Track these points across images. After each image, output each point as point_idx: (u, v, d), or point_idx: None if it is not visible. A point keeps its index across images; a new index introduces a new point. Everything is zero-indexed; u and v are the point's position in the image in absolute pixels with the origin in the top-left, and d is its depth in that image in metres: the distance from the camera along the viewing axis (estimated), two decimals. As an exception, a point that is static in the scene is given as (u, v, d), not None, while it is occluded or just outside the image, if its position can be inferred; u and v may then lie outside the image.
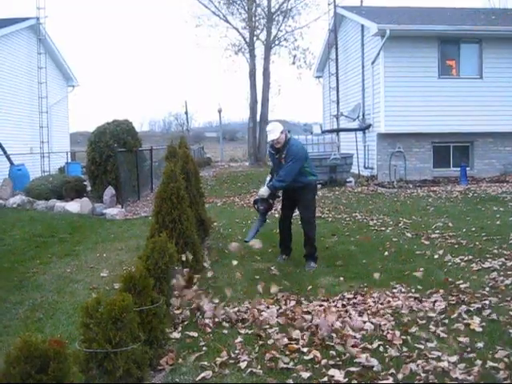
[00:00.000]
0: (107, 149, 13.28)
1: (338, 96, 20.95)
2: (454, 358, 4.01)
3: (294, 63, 31.04)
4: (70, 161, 22.20)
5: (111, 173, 13.23)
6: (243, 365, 4.03)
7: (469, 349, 4.21)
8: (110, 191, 12.79)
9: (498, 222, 9.78)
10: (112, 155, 13.21)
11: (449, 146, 18.18)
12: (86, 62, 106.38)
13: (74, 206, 12.46)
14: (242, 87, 73.49)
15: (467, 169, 17.16)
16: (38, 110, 21.53)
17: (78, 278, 6.85)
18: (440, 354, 4.10)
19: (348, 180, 16.69)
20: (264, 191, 7.23)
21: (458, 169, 17.05)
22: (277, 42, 31.11)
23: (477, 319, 4.85)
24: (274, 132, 7.06)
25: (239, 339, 4.54)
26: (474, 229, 9.21)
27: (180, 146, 8.37)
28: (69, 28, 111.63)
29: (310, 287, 6.07)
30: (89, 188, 14.38)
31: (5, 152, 17.47)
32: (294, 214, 7.74)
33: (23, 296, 6.11)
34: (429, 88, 16.98)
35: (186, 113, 46.97)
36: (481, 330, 4.60)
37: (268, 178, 7.54)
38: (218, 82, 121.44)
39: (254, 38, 30.55)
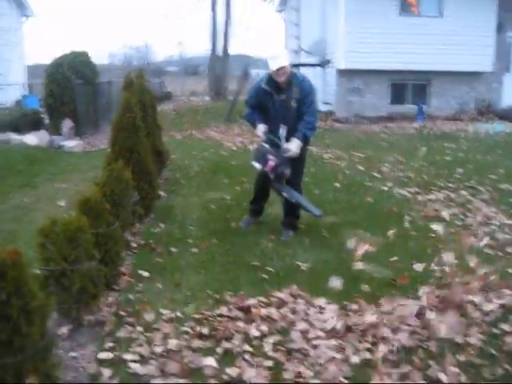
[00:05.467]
0: (65, 81, 13.14)
1: (299, 31, 20.83)
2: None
3: (256, -4, 30.60)
4: (26, 93, 21.75)
5: (69, 105, 13.14)
6: (195, 285, 4.30)
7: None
8: (67, 123, 12.74)
9: (447, 158, 10.17)
10: (70, 87, 13.08)
11: (407, 84, 18.39)
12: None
13: (31, 139, 12.37)
14: (203, 19, 71.68)
15: (424, 106, 17.50)
16: (-9, 41, 20.87)
17: (36, 208, 6.97)
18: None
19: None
20: (297, 147, 5.28)
21: (414, 106, 17.39)
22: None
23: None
24: (282, 57, 5.32)
25: (190, 261, 4.82)
26: (424, 164, 9.56)
27: (137, 77, 8.38)
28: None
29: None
30: (47, 121, 14.25)
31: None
32: None
33: (-19, 226, 6.21)
34: (389, 25, 16.97)
35: (147, 46, 46.11)
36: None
37: (281, 131, 5.41)
38: (180, 14, 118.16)
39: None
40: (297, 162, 5.46)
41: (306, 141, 5.43)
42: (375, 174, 8.73)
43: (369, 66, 17.20)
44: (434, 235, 5.59)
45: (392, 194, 7.48)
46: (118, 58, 58.12)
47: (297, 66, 19.36)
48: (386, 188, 7.79)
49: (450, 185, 7.93)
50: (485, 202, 6.98)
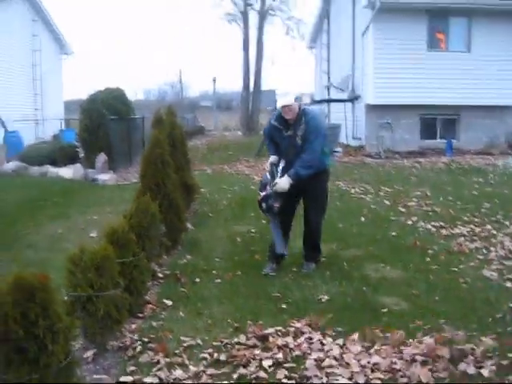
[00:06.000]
0: (99, 116, 13.56)
1: (329, 67, 21.15)
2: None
3: (287, 34, 31.17)
4: (64, 128, 22.39)
5: (103, 139, 13.52)
6: (216, 314, 4.45)
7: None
8: (102, 157, 13.12)
9: (474, 192, 10.20)
10: (104, 122, 13.51)
11: (436, 118, 18.48)
12: (80, 30, 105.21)
13: (66, 172, 12.86)
14: (237, 56, 73.04)
15: (453, 140, 17.51)
16: (32, 77, 21.66)
17: (68, 238, 7.19)
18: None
19: (336, 150, 16.98)
20: (285, 183, 5.34)
21: (445, 140, 17.43)
22: (271, 13, 31.06)
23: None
24: (286, 96, 5.47)
25: (214, 291, 4.98)
26: (450, 198, 9.61)
27: (167, 114, 8.68)
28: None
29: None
30: (82, 154, 14.68)
31: (-1, 118, 17.66)
32: None
33: (16, 254, 6.41)
34: (417, 61, 17.12)
35: (181, 81, 47.07)
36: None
37: (280, 165, 5.59)
38: (214, 50, 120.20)
39: (248, 8, 30.50)
40: (313, 200, 5.67)
41: (299, 179, 5.35)
42: (401, 209, 8.81)
43: (398, 101, 17.34)
44: (455, 269, 5.65)
45: (416, 228, 7.55)
46: (152, 94, 59.47)
47: (327, 101, 19.66)
48: (410, 222, 7.87)
49: (476, 219, 7.96)
50: (509, 236, 6.99)
